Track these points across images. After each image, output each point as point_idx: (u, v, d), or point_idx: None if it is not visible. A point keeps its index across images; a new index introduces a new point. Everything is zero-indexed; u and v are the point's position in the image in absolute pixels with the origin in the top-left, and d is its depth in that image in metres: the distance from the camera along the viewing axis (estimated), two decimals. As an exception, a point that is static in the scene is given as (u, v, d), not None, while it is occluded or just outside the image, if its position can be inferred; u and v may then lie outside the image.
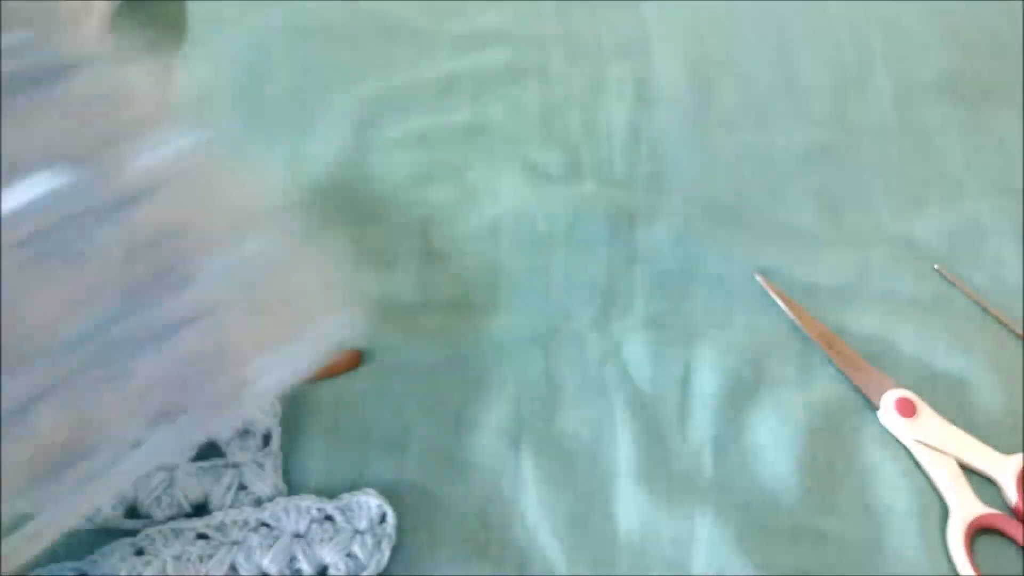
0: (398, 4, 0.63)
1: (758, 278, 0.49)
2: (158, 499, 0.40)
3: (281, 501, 0.40)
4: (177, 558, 0.38)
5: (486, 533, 0.41)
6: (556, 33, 0.62)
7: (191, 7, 0.63)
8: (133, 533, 0.40)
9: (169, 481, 0.41)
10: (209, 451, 0.43)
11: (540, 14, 0.63)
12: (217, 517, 0.40)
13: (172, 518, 0.40)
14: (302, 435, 0.44)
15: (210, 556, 0.38)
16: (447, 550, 0.40)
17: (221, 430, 0.42)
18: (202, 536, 0.40)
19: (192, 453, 0.42)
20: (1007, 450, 0.43)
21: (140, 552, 0.39)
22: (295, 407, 0.44)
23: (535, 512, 0.41)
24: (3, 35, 0.25)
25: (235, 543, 0.39)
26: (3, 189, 0.24)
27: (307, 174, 0.55)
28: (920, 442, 0.43)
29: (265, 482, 0.41)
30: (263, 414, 0.43)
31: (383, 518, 0.40)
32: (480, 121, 0.57)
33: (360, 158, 0.55)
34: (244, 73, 0.59)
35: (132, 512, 0.41)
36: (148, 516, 0.40)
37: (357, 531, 0.39)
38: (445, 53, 0.60)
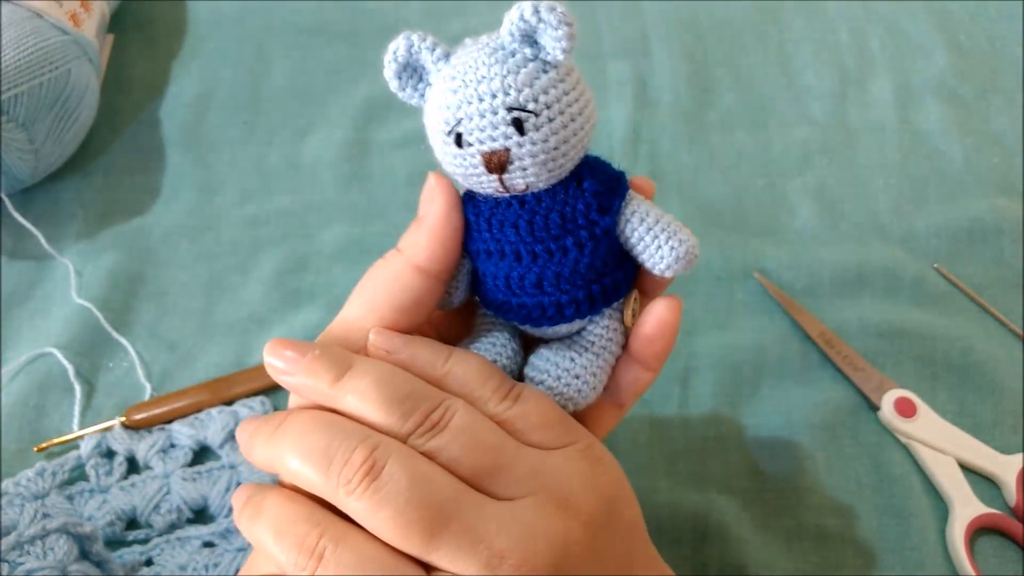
0: (398, 4, 0.63)
1: (758, 278, 0.49)
2: (157, 507, 0.40)
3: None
4: (184, 567, 0.38)
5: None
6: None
7: (191, 7, 0.63)
8: (142, 542, 0.40)
9: (166, 488, 0.41)
10: (203, 455, 0.43)
11: (540, 14, 0.63)
12: (222, 524, 0.40)
13: (173, 525, 0.40)
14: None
15: (216, 564, 0.38)
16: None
17: (213, 435, 0.43)
18: (208, 544, 0.40)
19: (187, 459, 0.42)
20: (1007, 450, 0.43)
21: (149, 562, 0.39)
22: (287, 404, 0.44)
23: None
24: None
25: (240, 549, 0.39)
26: None
27: (307, 174, 0.55)
28: (920, 442, 0.43)
29: (263, 478, 0.41)
30: (255, 413, 0.43)
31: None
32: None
33: (360, 158, 0.55)
34: (244, 73, 0.59)
35: (133, 523, 0.41)
36: (149, 525, 0.40)
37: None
38: (445, 53, 0.60)
